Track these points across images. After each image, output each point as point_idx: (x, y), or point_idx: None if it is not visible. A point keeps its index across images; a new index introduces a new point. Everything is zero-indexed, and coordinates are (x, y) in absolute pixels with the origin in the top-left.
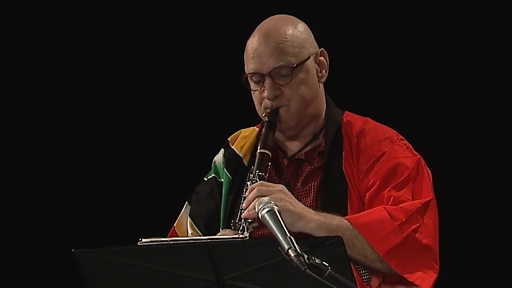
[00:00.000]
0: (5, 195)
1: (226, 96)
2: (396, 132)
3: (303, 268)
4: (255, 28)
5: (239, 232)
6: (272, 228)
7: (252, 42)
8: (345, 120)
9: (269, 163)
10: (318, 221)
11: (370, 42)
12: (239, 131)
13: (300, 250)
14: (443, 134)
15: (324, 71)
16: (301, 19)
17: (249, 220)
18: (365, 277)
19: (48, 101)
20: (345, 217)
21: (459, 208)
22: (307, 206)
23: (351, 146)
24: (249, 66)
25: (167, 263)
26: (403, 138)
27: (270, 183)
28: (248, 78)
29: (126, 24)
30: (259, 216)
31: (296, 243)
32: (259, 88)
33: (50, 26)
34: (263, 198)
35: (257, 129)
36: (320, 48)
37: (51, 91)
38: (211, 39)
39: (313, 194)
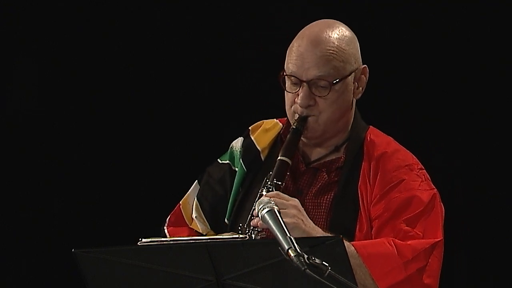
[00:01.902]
0: (5, 195)
1: (226, 96)
2: (416, 159)
3: (303, 268)
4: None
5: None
6: (272, 228)
7: (299, 45)
8: (368, 137)
9: (288, 172)
10: None
11: (369, 42)
12: (261, 121)
13: (300, 250)
14: (442, 134)
15: (361, 88)
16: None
17: (258, 229)
18: None
19: (48, 101)
20: (353, 243)
21: (459, 208)
22: (317, 219)
23: (370, 167)
24: (290, 67)
25: (167, 263)
26: (423, 167)
27: (286, 196)
28: (286, 77)
29: (126, 24)
30: (259, 216)
31: (296, 243)
32: (294, 91)
33: (50, 26)
34: (263, 198)
35: (280, 124)
36: (363, 64)
37: (51, 91)
38: (211, 39)
39: (325, 208)
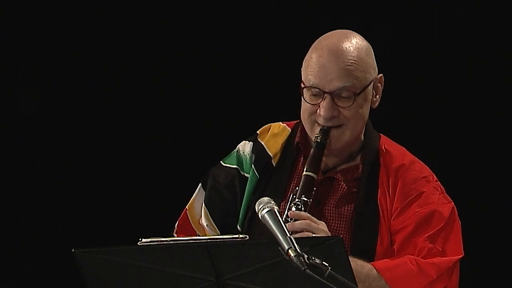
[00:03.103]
0: (5, 195)
1: (227, 97)
2: (430, 170)
3: (303, 268)
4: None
5: None
6: (272, 228)
7: (320, 56)
8: (383, 147)
9: (314, 188)
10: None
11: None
12: (268, 125)
13: (300, 250)
14: (443, 135)
15: (378, 96)
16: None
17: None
18: None
19: (48, 101)
20: (375, 264)
21: (459, 209)
22: (338, 231)
23: (388, 179)
24: (311, 79)
25: (167, 263)
26: (437, 179)
27: (315, 219)
28: (305, 89)
29: (127, 24)
30: (259, 216)
31: (296, 243)
32: (314, 102)
33: (50, 26)
34: (263, 198)
35: (288, 128)
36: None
37: (51, 91)
38: (213, 39)
39: (346, 220)
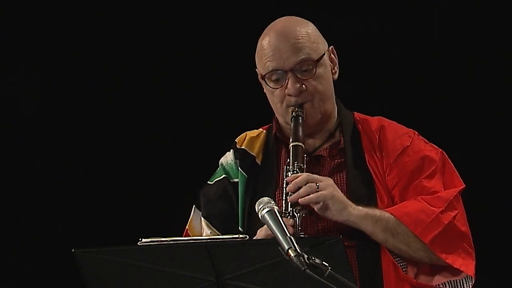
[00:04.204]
0: (5, 195)
1: (227, 97)
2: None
3: (303, 268)
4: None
5: (288, 216)
6: (272, 228)
7: (269, 41)
8: (358, 118)
9: (305, 155)
10: (363, 210)
11: (369, 43)
12: (244, 133)
13: (300, 250)
14: (443, 135)
15: (336, 67)
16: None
17: (298, 207)
18: (404, 269)
19: (48, 101)
20: (386, 209)
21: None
22: None
23: (371, 142)
24: (269, 65)
25: (167, 263)
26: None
27: (316, 175)
28: (266, 77)
29: (127, 24)
30: (259, 216)
31: (296, 243)
32: (279, 86)
33: (50, 26)
34: (263, 198)
35: (264, 130)
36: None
37: (51, 91)
38: (213, 39)
39: (341, 187)
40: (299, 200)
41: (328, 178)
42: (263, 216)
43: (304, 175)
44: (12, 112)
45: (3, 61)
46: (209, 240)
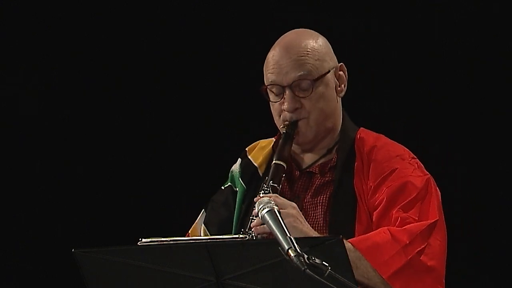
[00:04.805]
0: (5, 195)
1: (227, 97)
2: (408, 150)
3: (303, 268)
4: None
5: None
6: (272, 228)
7: (273, 55)
8: (358, 136)
9: (283, 175)
10: None
11: (369, 43)
12: (258, 141)
13: (300, 250)
14: (443, 135)
15: (343, 85)
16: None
17: (256, 234)
18: None
19: (48, 101)
20: (349, 239)
21: (458, 210)
22: (316, 219)
23: (362, 163)
24: (269, 78)
25: (167, 263)
26: (415, 157)
27: (284, 199)
28: (268, 89)
29: (127, 24)
30: (259, 216)
31: (296, 243)
32: (278, 100)
33: (50, 26)
34: (263, 198)
35: (275, 140)
36: (340, 62)
37: (51, 91)
38: (213, 39)
39: (322, 207)
40: (254, 229)
41: (294, 205)
42: (263, 216)
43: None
44: (12, 112)
45: (3, 61)
46: (209, 240)
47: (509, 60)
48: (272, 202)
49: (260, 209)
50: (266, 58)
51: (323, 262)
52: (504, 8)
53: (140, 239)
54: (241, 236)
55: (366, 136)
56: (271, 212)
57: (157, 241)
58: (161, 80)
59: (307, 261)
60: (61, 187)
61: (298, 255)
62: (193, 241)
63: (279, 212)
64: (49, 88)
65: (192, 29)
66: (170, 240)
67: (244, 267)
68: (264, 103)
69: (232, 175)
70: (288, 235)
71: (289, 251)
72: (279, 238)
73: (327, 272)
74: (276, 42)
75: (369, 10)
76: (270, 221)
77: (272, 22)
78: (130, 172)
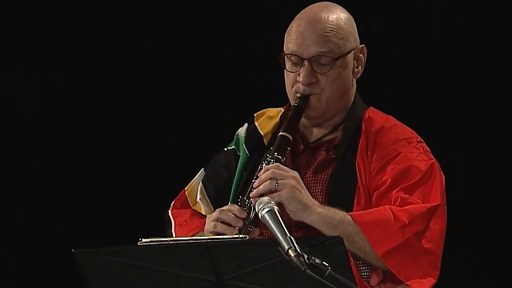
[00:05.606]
0: (5, 195)
1: (227, 97)
2: (415, 133)
3: (303, 268)
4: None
5: (245, 209)
6: (272, 228)
7: (299, 25)
8: (367, 116)
9: (288, 148)
10: (320, 214)
11: (369, 43)
12: (267, 109)
13: (300, 250)
14: (443, 135)
15: (360, 67)
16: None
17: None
18: (365, 274)
19: (48, 101)
20: (350, 213)
21: (459, 210)
22: (315, 195)
23: (367, 142)
24: (290, 47)
25: (167, 263)
26: (422, 140)
27: (285, 168)
28: (286, 57)
29: (127, 24)
30: (259, 216)
31: (296, 243)
32: (295, 70)
33: (50, 26)
34: (263, 198)
35: (283, 111)
36: (361, 44)
37: (51, 91)
38: (213, 39)
39: (323, 184)
40: (251, 195)
41: (296, 174)
42: (263, 216)
43: (270, 171)
44: (12, 112)
45: (3, 61)
46: (209, 240)
47: (509, 60)
48: (272, 202)
49: (260, 209)
50: (290, 26)
51: (323, 262)
52: (504, 8)
53: (140, 239)
54: (241, 236)
55: (375, 116)
56: (271, 212)
57: (157, 241)
58: (161, 80)
59: (307, 261)
60: (61, 187)
61: (298, 255)
62: (193, 241)
63: (279, 212)
64: (49, 88)
65: (192, 29)
66: (170, 240)
67: (244, 267)
68: (264, 103)
69: (238, 138)
70: (288, 235)
71: (289, 251)
72: (279, 238)
73: (327, 272)
74: (302, 11)
75: (369, 10)
76: (270, 221)
77: (272, 22)
78: (130, 172)
